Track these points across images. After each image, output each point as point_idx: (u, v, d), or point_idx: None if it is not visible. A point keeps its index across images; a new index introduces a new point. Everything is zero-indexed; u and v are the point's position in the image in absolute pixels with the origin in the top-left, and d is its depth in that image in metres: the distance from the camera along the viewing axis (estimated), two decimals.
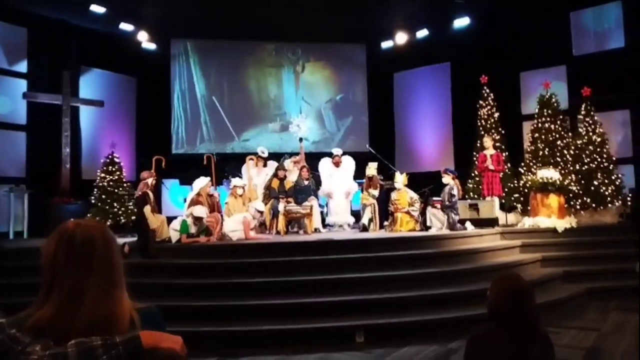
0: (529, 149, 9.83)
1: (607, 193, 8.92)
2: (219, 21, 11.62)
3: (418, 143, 13.10)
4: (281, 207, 8.28)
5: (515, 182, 9.61)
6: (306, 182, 8.89)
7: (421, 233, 7.66)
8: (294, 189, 8.78)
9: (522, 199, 9.43)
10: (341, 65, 13.76)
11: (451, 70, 12.62)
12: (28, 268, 5.93)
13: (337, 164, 9.36)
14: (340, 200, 9.21)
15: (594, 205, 8.96)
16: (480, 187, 9.22)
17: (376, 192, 8.64)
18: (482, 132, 10.21)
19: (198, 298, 5.51)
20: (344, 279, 5.72)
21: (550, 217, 8.16)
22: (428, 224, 7.92)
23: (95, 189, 10.05)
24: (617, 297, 6.45)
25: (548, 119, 9.57)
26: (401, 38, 12.11)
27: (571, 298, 6.25)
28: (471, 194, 9.92)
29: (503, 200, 9.18)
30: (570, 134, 9.63)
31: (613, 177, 9.07)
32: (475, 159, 9.90)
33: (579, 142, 9.41)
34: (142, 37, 11.40)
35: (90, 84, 11.54)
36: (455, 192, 7.88)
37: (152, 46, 11.86)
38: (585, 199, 8.98)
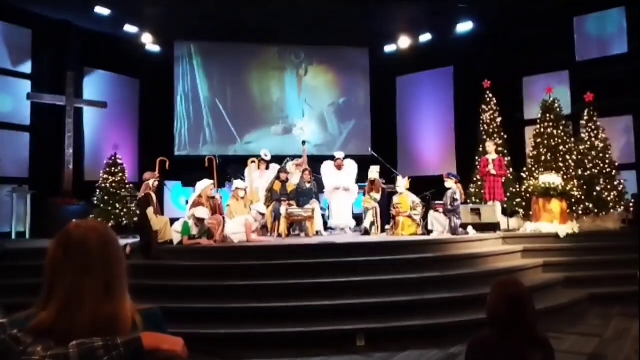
0: (531, 154, 9.81)
1: (609, 199, 8.89)
2: (222, 24, 11.66)
3: (420, 147, 13.10)
4: (283, 209, 8.29)
5: (518, 187, 9.59)
6: (308, 185, 8.89)
7: (423, 237, 7.65)
8: (296, 191, 8.79)
9: (524, 204, 9.41)
10: (344, 68, 13.78)
11: (454, 75, 12.62)
12: (30, 268, 5.94)
13: (339, 167, 9.38)
14: (342, 203, 9.21)
15: (596, 210, 8.93)
16: (482, 191, 9.21)
17: (378, 196, 8.65)
18: (485, 137, 10.20)
19: (199, 300, 5.51)
20: (345, 282, 5.71)
21: (552, 222, 8.14)
22: (430, 227, 7.91)
23: (98, 190, 10.07)
24: (619, 303, 6.42)
25: (551, 124, 9.55)
26: (404, 42, 12.12)
27: (573, 304, 6.23)
28: (473, 198, 9.91)
29: (505, 205, 9.17)
30: (572, 139, 9.61)
31: (615, 183, 9.04)
32: (477, 163, 9.89)
33: (581, 147, 9.40)
34: (146, 39, 11.44)
35: (93, 85, 11.58)
36: (458, 196, 7.87)
37: (156, 48, 11.90)
38: (587, 204, 8.95)
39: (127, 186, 10.31)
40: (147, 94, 12.49)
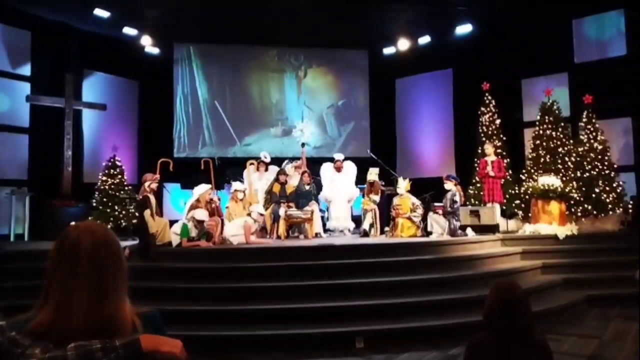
0: (530, 156, 9.82)
1: (608, 200, 8.90)
2: (222, 26, 11.67)
3: (419, 149, 13.10)
4: (282, 211, 8.29)
5: (517, 188, 9.60)
6: (307, 187, 8.89)
7: (422, 239, 7.65)
8: (295, 193, 8.79)
9: (523, 205, 9.42)
10: (343, 70, 13.80)
11: (453, 77, 12.64)
12: (28, 270, 5.95)
13: (338, 169, 9.38)
14: (341, 205, 9.21)
15: (595, 212, 8.94)
16: (481, 193, 9.21)
17: (377, 198, 8.65)
18: (484, 139, 10.21)
19: (198, 302, 5.50)
20: (344, 284, 5.71)
21: (551, 224, 8.15)
22: (429, 229, 7.92)
23: (97, 192, 10.06)
24: (618, 304, 6.42)
25: (549, 126, 9.56)
26: (403, 44, 12.14)
27: (572, 305, 6.23)
28: (472, 200, 9.91)
29: (504, 207, 9.17)
30: (571, 141, 9.62)
31: (614, 185, 9.05)
32: (476, 165, 9.90)
33: (580, 149, 9.40)
34: (145, 41, 11.44)
35: (93, 87, 11.59)
36: (457, 198, 7.88)
37: (155, 50, 11.90)
38: (586, 206, 8.96)
39: (126, 188, 10.30)
40: (146, 96, 12.49)
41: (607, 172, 9.13)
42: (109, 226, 8.99)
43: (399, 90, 13.68)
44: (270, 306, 5.35)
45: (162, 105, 12.58)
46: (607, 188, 8.98)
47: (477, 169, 9.54)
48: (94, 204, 9.96)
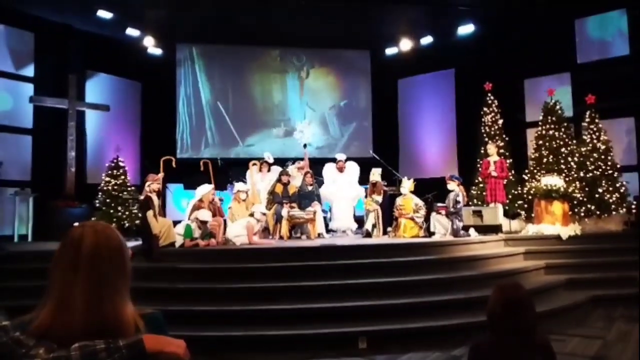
0: (533, 156, 9.80)
1: (611, 200, 8.88)
2: (224, 27, 11.69)
3: (422, 149, 13.09)
4: (284, 212, 8.29)
5: (519, 189, 9.59)
6: (310, 188, 8.90)
7: (424, 239, 7.64)
8: (297, 194, 8.79)
9: (526, 205, 9.40)
10: (345, 71, 13.80)
11: (455, 77, 12.63)
12: (32, 271, 5.96)
13: (340, 169, 9.39)
14: (344, 205, 9.21)
15: (598, 212, 8.92)
16: (484, 193, 9.20)
17: (380, 198, 8.64)
18: (486, 139, 10.20)
19: (201, 303, 5.50)
20: (346, 285, 5.71)
21: (554, 224, 8.13)
22: (432, 229, 7.91)
23: (100, 193, 10.07)
24: (622, 305, 6.40)
25: (552, 126, 9.55)
26: (405, 45, 12.13)
27: (575, 306, 6.21)
28: (475, 200, 9.90)
29: (507, 207, 9.16)
30: (574, 141, 9.60)
31: (617, 185, 9.03)
32: (479, 165, 9.89)
33: (583, 149, 9.39)
34: (148, 42, 11.47)
35: (96, 88, 11.62)
36: (460, 198, 7.87)
37: (157, 51, 11.93)
38: (589, 206, 8.94)
39: (129, 189, 10.32)
40: (149, 97, 12.52)
41: (610, 172, 9.10)
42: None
43: (401, 90, 13.67)
44: (272, 307, 5.34)
45: (164, 106, 12.61)
46: (610, 188, 8.96)
47: (480, 169, 9.53)
48: (97, 205, 9.98)
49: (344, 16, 11.15)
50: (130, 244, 6.91)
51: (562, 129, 9.56)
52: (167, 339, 1.24)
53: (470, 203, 9.47)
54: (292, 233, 8.50)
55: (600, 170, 9.10)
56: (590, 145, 9.33)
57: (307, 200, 8.71)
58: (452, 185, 8.03)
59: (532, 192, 8.77)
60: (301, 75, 13.70)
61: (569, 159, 9.34)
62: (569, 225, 8.17)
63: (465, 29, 11.46)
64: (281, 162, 10.11)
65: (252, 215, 7.75)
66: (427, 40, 12.10)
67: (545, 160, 9.39)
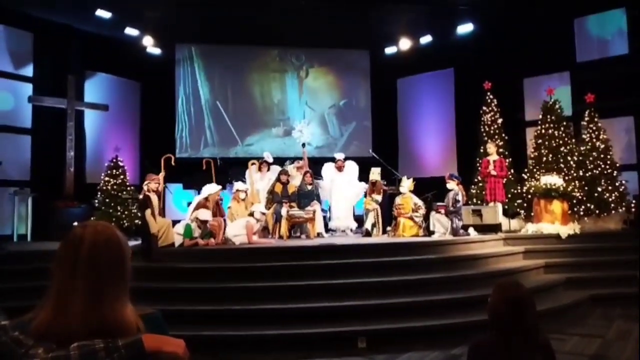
0: (532, 155, 9.81)
1: (610, 199, 8.88)
2: (223, 26, 11.67)
3: (421, 148, 13.09)
4: (284, 211, 8.29)
5: (519, 188, 9.59)
6: (309, 187, 8.90)
7: (424, 238, 7.64)
8: (297, 193, 8.79)
9: (525, 205, 9.41)
10: (345, 70, 13.79)
11: (455, 76, 12.63)
12: (31, 271, 5.96)
13: (340, 169, 9.39)
14: (343, 205, 9.21)
15: (597, 211, 8.92)
16: (484, 192, 9.20)
17: (379, 197, 8.64)
18: (486, 138, 10.21)
19: (200, 302, 5.51)
20: (346, 284, 5.71)
21: (553, 223, 8.14)
22: (431, 229, 7.91)
23: (99, 193, 10.07)
24: (621, 304, 6.41)
25: (551, 125, 9.55)
26: (405, 44, 12.12)
27: (574, 305, 6.22)
28: (474, 199, 9.90)
29: (506, 206, 9.16)
30: (573, 140, 9.61)
31: (617, 184, 9.03)
32: (478, 164, 9.89)
33: (582, 148, 9.39)
34: (147, 41, 11.44)
35: (95, 88, 11.61)
36: (460, 197, 7.87)
37: (157, 51, 11.90)
38: (588, 205, 8.94)
39: (128, 188, 10.31)
40: (148, 97, 12.51)
41: (609, 171, 9.11)
42: None
43: (400, 89, 13.67)
44: (272, 306, 5.35)
45: (164, 106, 12.59)
46: (610, 187, 8.96)
47: (479, 168, 9.53)
48: (97, 205, 9.97)
49: (343, 16, 11.14)
50: (130, 243, 6.89)
51: (562, 128, 9.56)
52: (167, 338, 1.24)
53: (469, 202, 9.48)
54: (291, 232, 8.51)
55: (599, 169, 9.10)
56: (590, 144, 9.34)
57: (307, 199, 8.72)
58: (451, 185, 8.03)
59: (531, 191, 8.78)
60: (300, 75, 13.69)
61: (569, 158, 9.34)
62: (568, 224, 8.18)
63: (465, 28, 11.45)
64: (280, 161, 10.11)
65: (251, 214, 7.75)
66: (426, 39, 12.09)
67: (544, 159, 9.39)
